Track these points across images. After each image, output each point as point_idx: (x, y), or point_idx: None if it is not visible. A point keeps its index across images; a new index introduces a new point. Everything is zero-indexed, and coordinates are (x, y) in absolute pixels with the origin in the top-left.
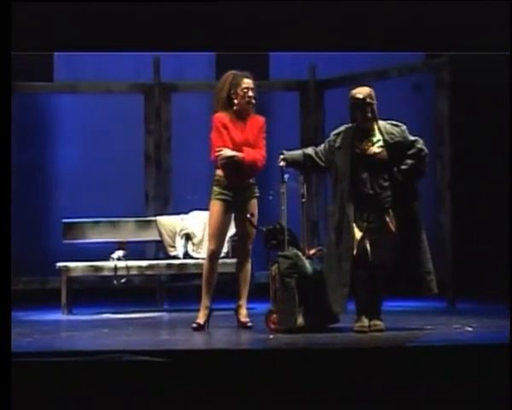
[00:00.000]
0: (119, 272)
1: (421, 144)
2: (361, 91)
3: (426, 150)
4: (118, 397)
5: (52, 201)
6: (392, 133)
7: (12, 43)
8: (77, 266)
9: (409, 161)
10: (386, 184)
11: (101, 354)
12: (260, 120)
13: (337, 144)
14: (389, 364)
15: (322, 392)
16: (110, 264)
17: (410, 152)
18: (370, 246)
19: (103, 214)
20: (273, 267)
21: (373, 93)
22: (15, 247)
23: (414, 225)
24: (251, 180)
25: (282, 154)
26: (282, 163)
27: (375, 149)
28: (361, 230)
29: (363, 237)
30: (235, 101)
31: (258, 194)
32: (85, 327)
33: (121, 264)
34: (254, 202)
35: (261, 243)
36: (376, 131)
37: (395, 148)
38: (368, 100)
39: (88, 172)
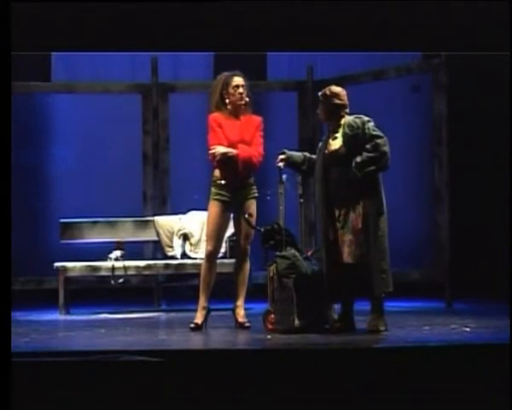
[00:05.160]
0: (117, 272)
1: (381, 140)
2: (322, 90)
3: (385, 149)
4: (115, 397)
5: (49, 201)
6: (351, 125)
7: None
8: (74, 266)
9: (364, 154)
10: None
11: (99, 354)
12: (257, 119)
13: (319, 147)
14: (386, 364)
15: (320, 392)
16: (108, 264)
17: (367, 146)
18: (341, 246)
19: (101, 214)
20: (271, 268)
21: (329, 92)
22: (13, 246)
23: (370, 223)
24: (249, 180)
25: (284, 153)
26: (280, 164)
27: (336, 145)
28: (333, 230)
29: (334, 238)
30: (228, 100)
31: (256, 194)
32: (83, 327)
33: (119, 264)
34: (253, 202)
35: (259, 243)
36: (341, 128)
37: (353, 141)
38: (321, 98)
39: (85, 172)
